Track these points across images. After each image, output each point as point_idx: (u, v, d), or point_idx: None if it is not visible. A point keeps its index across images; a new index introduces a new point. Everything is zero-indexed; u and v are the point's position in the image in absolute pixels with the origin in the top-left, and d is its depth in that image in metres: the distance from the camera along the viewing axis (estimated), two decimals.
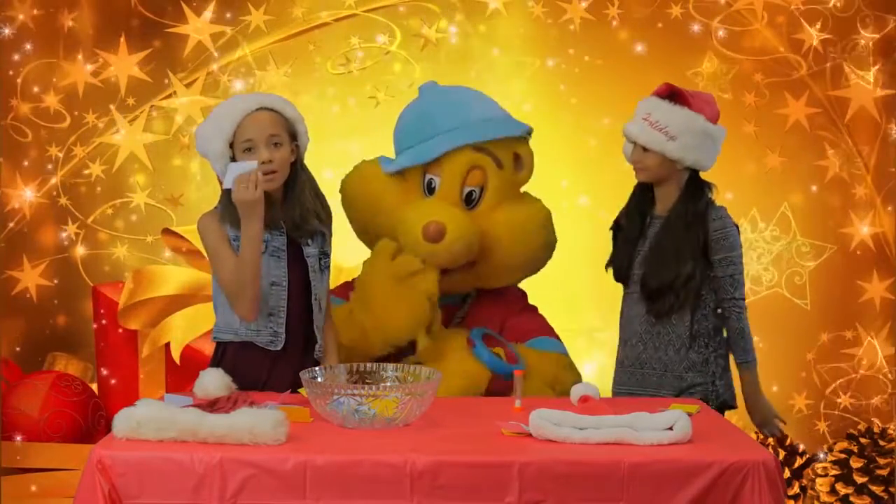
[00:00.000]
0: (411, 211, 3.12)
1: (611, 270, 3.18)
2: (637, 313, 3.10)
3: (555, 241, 3.29)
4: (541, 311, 3.42)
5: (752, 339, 3.06)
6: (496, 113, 3.28)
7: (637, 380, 3.09)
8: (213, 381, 2.64)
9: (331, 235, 2.93)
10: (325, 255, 2.89)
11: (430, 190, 3.18)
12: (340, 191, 3.23)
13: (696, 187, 3.08)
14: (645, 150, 3.05)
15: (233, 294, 2.74)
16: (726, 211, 3.08)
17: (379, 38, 4.52)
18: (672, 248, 3.02)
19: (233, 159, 2.76)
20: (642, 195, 3.15)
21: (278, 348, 2.80)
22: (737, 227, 3.08)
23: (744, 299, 3.05)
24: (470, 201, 3.17)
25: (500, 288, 3.32)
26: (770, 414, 3.08)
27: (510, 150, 3.22)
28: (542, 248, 3.25)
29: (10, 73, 4.55)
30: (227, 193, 2.74)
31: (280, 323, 2.80)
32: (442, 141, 3.15)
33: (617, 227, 3.20)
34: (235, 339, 2.81)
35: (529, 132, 3.30)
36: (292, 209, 2.82)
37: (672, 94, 3.08)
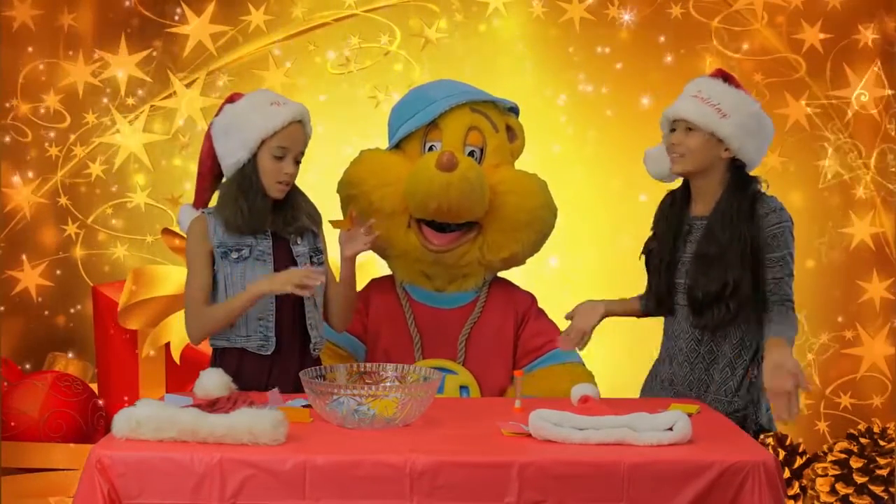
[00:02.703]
0: (422, 158, 3.12)
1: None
2: (682, 329, 2.86)
3: (555, 207, 3.25)
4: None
5: None
6: (483, 90, 3.35)
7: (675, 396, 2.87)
8: (213, 381, 2.64)
9: (321, 236, 2.94)
10: (317, 252, 2.90)
11: None
12: (342, 181, 3.21)
13: (740, 182, 2.80)
14: (689, 130, 2.77)
15: (195, 315, 2.78)
16: (779, 201, 2.80)
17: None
18: (717, 253, 2.73)
19: (253, 155, 2.77)
20: (671, 208, 2.89)
21: (269, 352, 2.81)
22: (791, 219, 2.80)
23: None
24: None
25: (510, 290, 3.30)
26: (798, 374, 2.50)
27: (502, 119, 3.27)
28: (543, 207, 3.21)
29: (10, 73, 4.55)
30: (226, 189, 2.81)
31: (269, 327, 2.80)
32: (440, 104, 3.19)
33: (648, 254, 2.93)
34: (228, 346, 2.83)
35: (515, 111, 3.34)
36: (282, 209, 2.85)
37: (724, 77, 2.84)
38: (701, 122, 2.76)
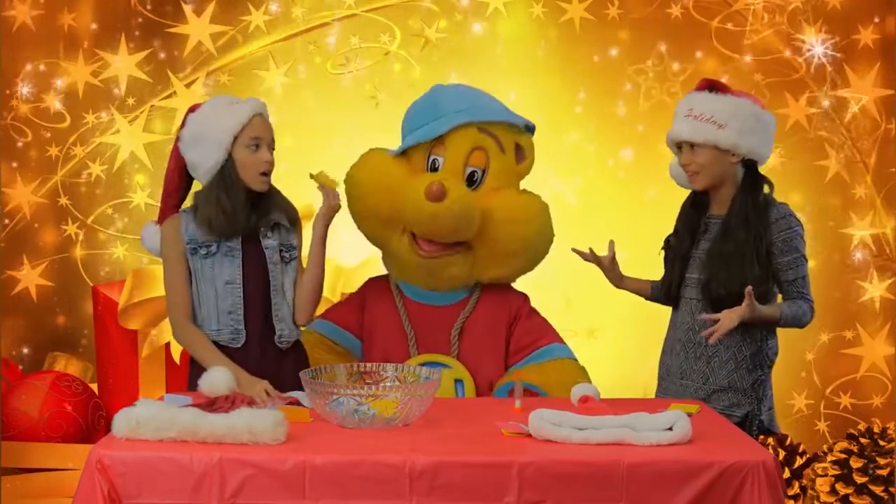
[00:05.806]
0: (415, 179, 3.14)
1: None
2: (683, 321, 2.95)
3: (552, 234, 3.25)
4: (542, 311, 3.41)
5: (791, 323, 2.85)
6: (500, 104, 3.33)
7: (676, 392, 2.94)
8: (220, 379, 2.64)
9: (297, 233, 2.98)
10: (289, 247, 2.94)
11: (434, 169, 3.20)
12: (346, 180, 3.23)
13: (752, 181, 2.87)
14: (693, 147, 2.86)
15: (178, 330, 2.86)
16: (789, 207, 2.89)
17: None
18: (737, 251, 2.80)
19: (230, 154, 2.81)
20: (692, 209, 2.99)
21: (240, 345, 2.86)
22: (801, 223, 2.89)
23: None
24: (472, 182, 3.18)
25: (503, 289, 3.31)
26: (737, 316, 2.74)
27: (512, 138, 3.24)
28: (538, 236, 3.22)
29: (10, 73, 4.55)
30: (206, 192, 2.85)
31: (238, 320, 2.85)
32: (447, 120, 3.19)
33: (667, 246, 3.05)
34: None
35: (532, 128, 3.31)
36: (258, 208, 2.88)
37: (711, 87, 2.91)
38: (701, 139, 2.84)
